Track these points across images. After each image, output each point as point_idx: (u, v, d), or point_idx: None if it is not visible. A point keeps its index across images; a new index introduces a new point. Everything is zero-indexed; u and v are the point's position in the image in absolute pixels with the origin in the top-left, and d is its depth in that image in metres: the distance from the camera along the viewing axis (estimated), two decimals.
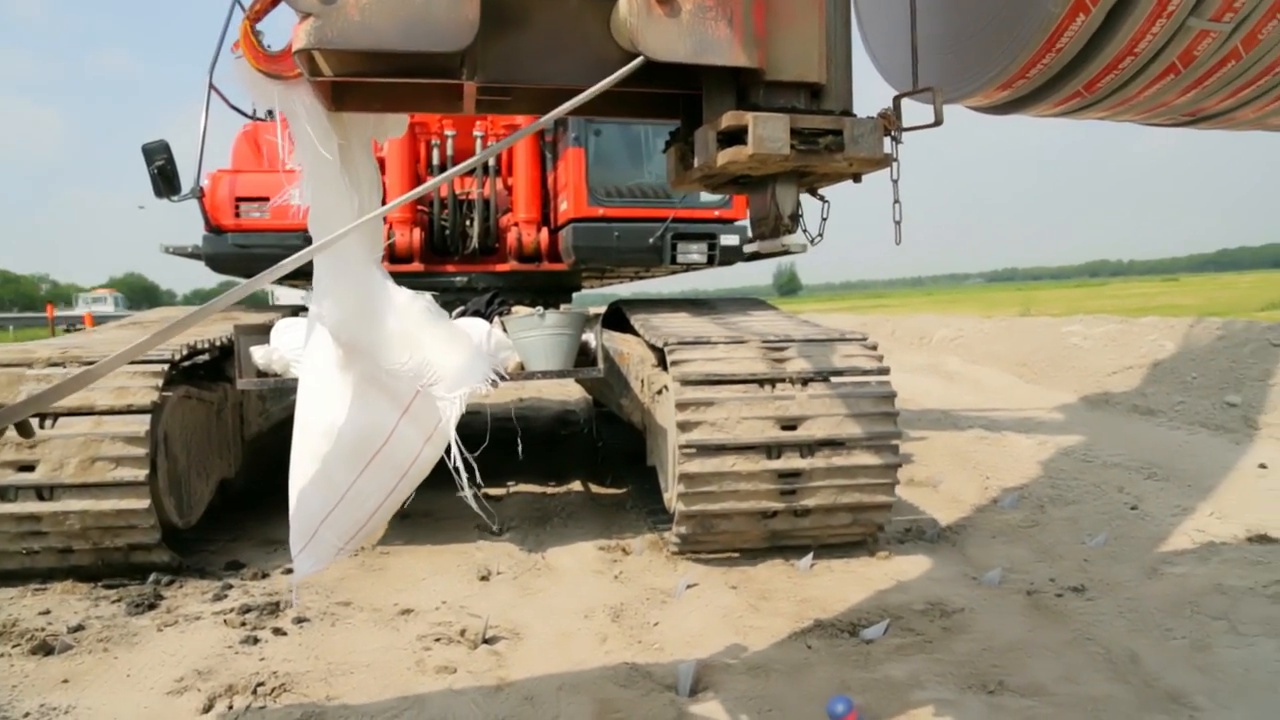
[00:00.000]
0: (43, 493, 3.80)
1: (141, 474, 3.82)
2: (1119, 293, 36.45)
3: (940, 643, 3.24)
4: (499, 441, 6.95)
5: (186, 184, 5.17)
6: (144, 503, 3.82)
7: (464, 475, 2.53)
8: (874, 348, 4.35)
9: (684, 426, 3.91)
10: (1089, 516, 4.78)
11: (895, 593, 3.75)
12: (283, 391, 5.57)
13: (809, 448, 3.96)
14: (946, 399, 9.26)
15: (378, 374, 2.42)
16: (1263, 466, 5.71)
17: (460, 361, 2.49)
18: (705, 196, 5.31)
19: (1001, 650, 3.15)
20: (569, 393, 10.25)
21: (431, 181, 4.75)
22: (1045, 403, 8.82)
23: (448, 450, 2.52)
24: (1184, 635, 3.23)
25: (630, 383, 4.96)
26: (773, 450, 3.95)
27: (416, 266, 5.83)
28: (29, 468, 3.79)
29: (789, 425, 3.97)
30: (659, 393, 4.41)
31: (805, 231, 2.52)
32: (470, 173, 5.85)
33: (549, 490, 5.71)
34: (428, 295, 2.59)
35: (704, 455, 3.90)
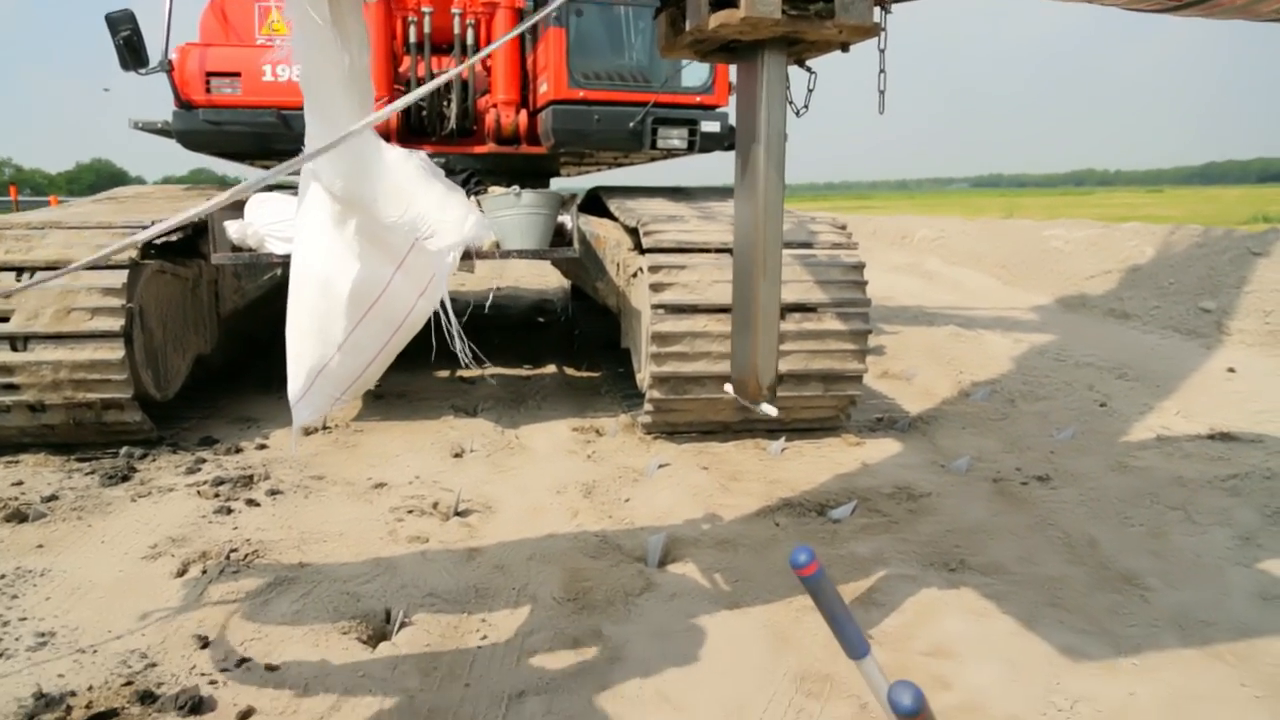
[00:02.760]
0: (16, 344, 3.78)
1: (117, 324, 3.80)
2: (1103, 202, 36.35)
3: (905, 524, 3.31)
4: (475, 328, 6.94)
5: (154, 57, 4.96)
6: (118, 354, 3.80)
7: (453, 325, 2.53)
8: (843, 227, 4.39)
9: (656, 288, 3.94)
10: (1058, 412, 4.85)
11: (864, 476, 3.82)
12: (258, 269, 5.50)
13: (780, 311, 3.99)
14: (924, 298, 9.28)
15: (373, 228, 2.39)
16: (1231, 370, 5.79)
17: (454, 216, 2.45)
18: (687, 81, 5.18)
19: (965, 532, 3.22)
20: (546, 282, 10.18)
21: (430, 85, 4.56)
22: (1022, 304, 8.87)
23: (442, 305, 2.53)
24: (1141, 523, 3.31)
25: (606, 266, 4.92)
26: None
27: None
28: (3, 318, 3.77)
29: None
30: (634, 275, 4.38)
31: (791, 104, 2.48)
32: (448, 52, 5.63)
33: (524, 374, 5.71)
34: (421, 153, 2.54)
35: (675, 315, 3.93)
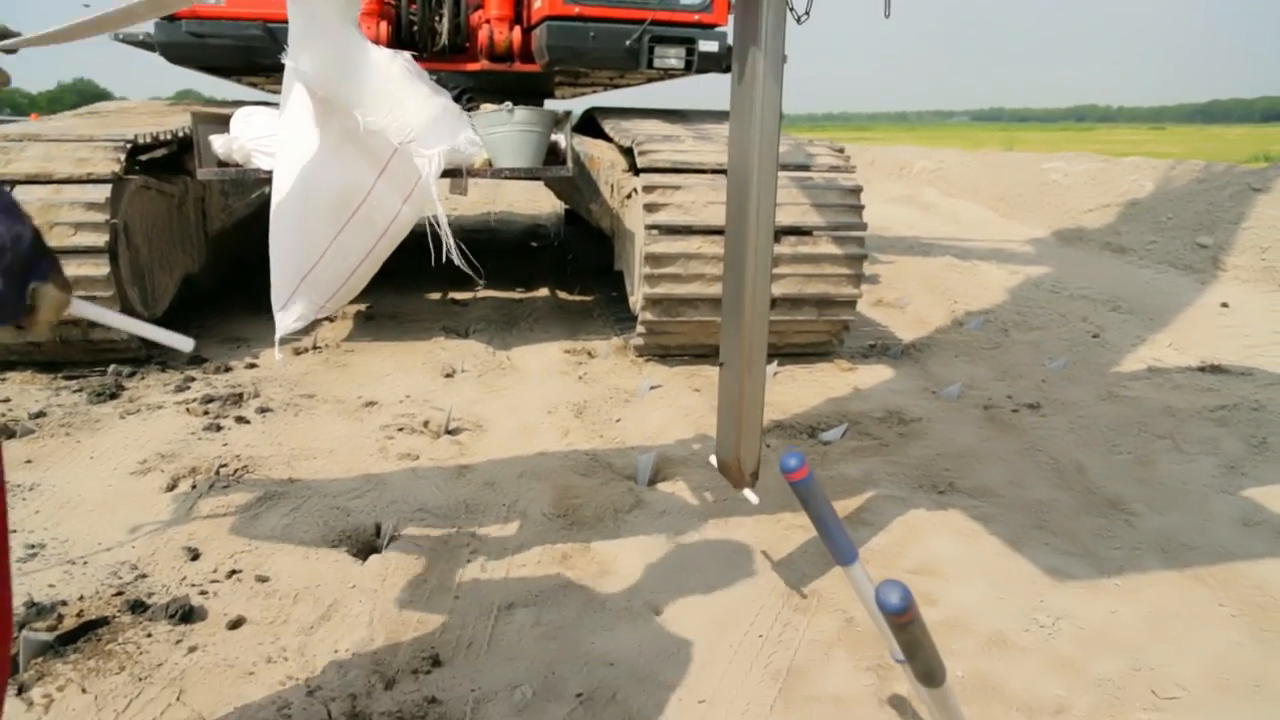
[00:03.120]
0: None
1: (101, 240, 3.73)
2: (1103, 138, 35.93)
3: (896, 447, 3.32)
4: (468, 252, 6.86)
5: None
6: (103, 270, 3.74)
7: (448, 237, 2.49)
8: (841, 150, 4.31)
9: (650, 208, 3.89)
10: (1051, 342, 4.85)
11: (855, 401, 3.82)
12: (245, 185, 5.40)
13: (775, 234, 3.94)
14: (921, 229, 9.21)
15: (355, 131, 2.32)
16: (1224, 305, 5.78)
17: (440, 119, 2.39)
18: None
19: (954, 456, 3.24)
20: (539, 207, 10.06)
21: None
22: (1019, 236, 8.81)
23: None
24: (1129, 451, 3.32)
25: (600, 187, 4.84)
26: None
27: None
28: None
29: None
30: (628, 197, 4.31)
31: (792, 10, 2.39)
32: None
33: (517, 296, 5.67)
34: (406, 54, 2.46)
35: (669, 237, 3.88)
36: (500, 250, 7.38)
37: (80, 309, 1.29)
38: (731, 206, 1.88)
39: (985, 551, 2.54)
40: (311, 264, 2.36)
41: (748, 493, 2.38)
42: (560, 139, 4.31)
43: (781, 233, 3.95)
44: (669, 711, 1.84)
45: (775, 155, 1.87)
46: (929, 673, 1.15)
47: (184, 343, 1.47)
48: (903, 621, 1.03)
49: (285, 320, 2.47)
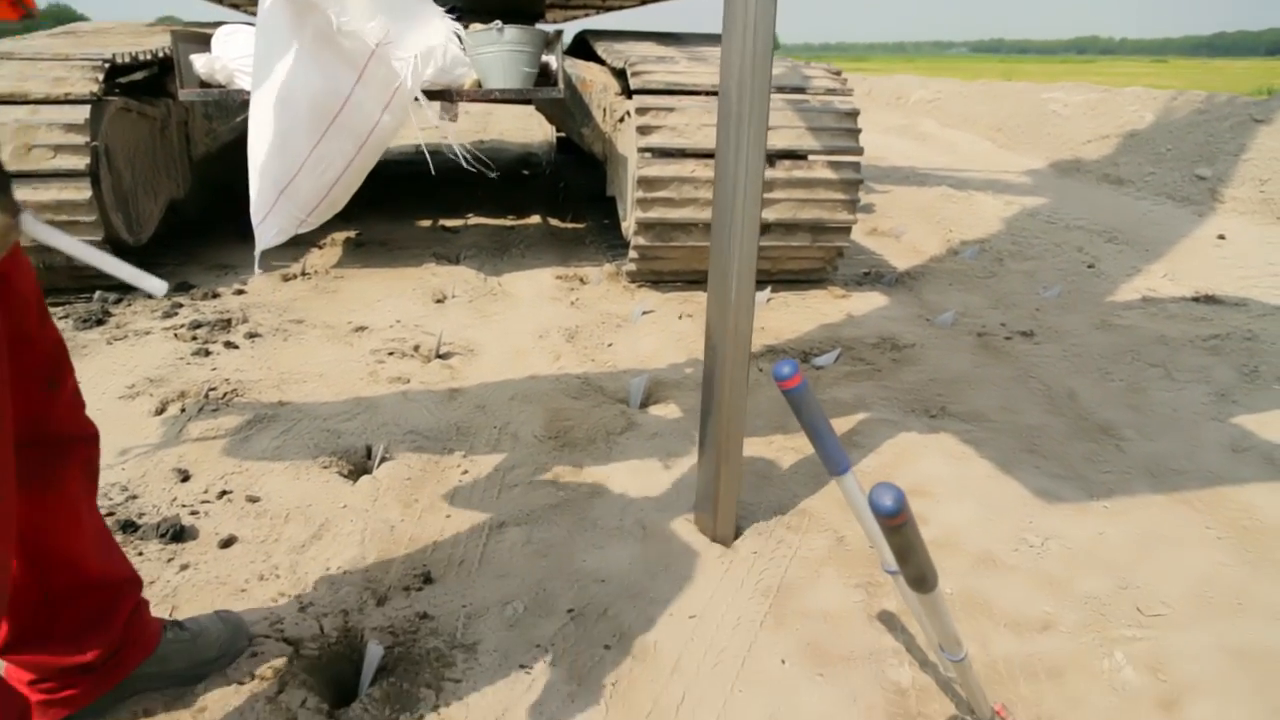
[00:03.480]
0: None
1: (82, 163, 3.64)
2: (1104, 70, 35.36)
3: (889, 372, 3.31)
4: (458, 180, 6.75)
5: None
6: (85, 194, 3.66)
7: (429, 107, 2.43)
8: (838, 73, 4.21)
9: (643, 130, 3.80)
10: (1046, 271, 4.82)
11: (849, 327, 3.80)
12: (228, 108, 5.27)
13: (769, 158, 3.88)
14: (917, 159, 9.10)
15: (331, 33, 2.24)
16: (1221, 237, 5.74)
17: (419, 20, 2.31)
18: None
19: (947, 381, 3.23)
20: (531, 136, 9.89)
21: None
22: (1016, 167, 8.71)
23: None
24: (1122, 378, 3.32)
25: (592, 111, 4.74)
26: None
27: None
28: None
29: None
30: (621, 120, 4.22)
31: None
32: None
33: (508, 223, 5.59)
34: None
35: (663, 160, 3.81)
36: (491, 179, 7.26)
37: (41, 234, 1.19)
38: (721, 129, 1.82)
39: (976, 474, 2.55)
40: (290, 175, 2.30)
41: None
42: (551, 60, 4.20)
43: (776, 156, 3.88)
44: (659, 626, 1.86)
45: (768, 73, 1.82)
46: (921, 577, 1.14)
47: (157, 286, 1.27)
48: (896, 524, 1.02)
49: (265, 234, 2.42)
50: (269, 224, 2.38)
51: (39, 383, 1.32)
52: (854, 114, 4.01)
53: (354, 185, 2.50)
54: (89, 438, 1.46)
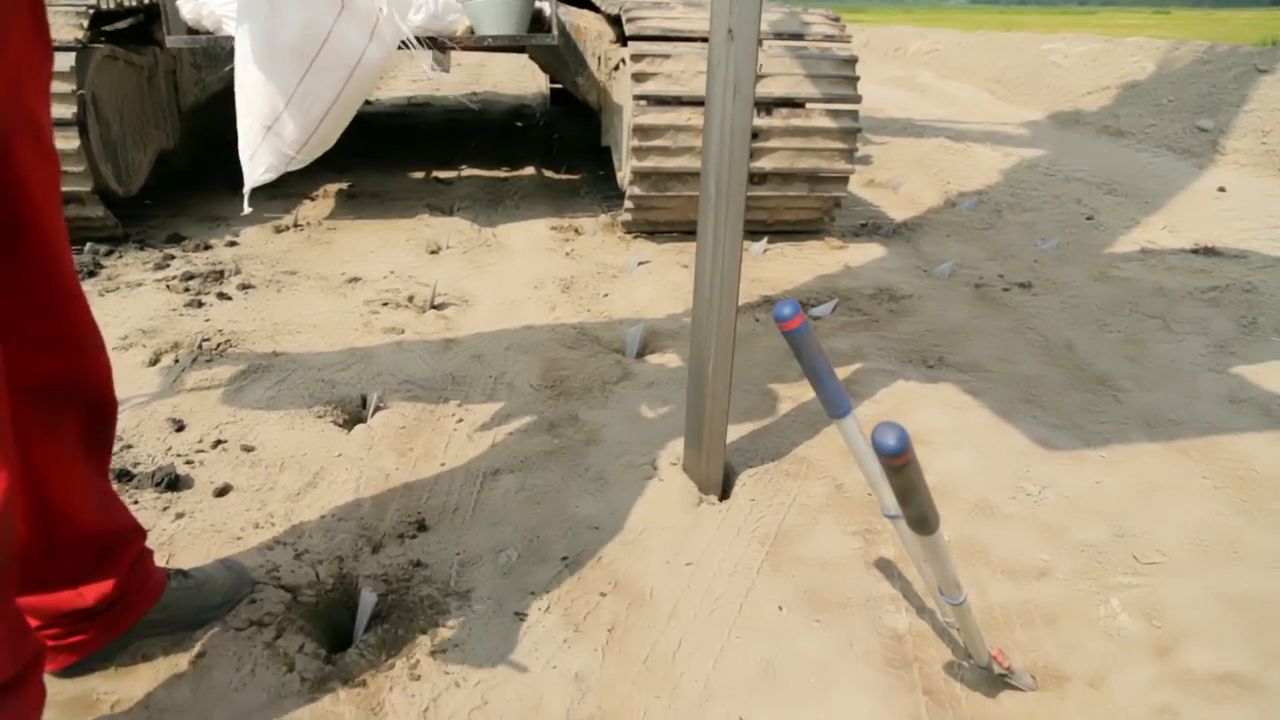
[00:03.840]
0: None
1: (69, 112, 3.56)
2: (1106, 21, 34.89)
3: (886, 323, 3.29)
4: (451, 131, 6.66)
5: None
6: (73, 143, 3.59)
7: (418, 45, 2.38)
8: (837, 19, 4.14)
9: (638, 78, 3.74)
10: (1045, 223, 4.78)
11: (845, 278, 3.77)
12: (217, 56, 5.17)
13: (766, 107, 3.82)
14: (914, 110, 8.99)
15: None
16: (1221, 189, 5.69)
17: None
18: None
19: (944, 332, 3.22)
20: (524, 86, 9.75)
21: None
22: (1015, 119, 8.61)
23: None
24: (1119, 330, 3.31)
25: (586, 59, 4.66)
26: None
27: None
28: None
29: None
30: (616, 68, 4.15)
31: None
32: None
33: (502, 175, 5.52)
34: None
35: (658, 108, 3.75)
36: (485, 130, 7.16)
37: None
38: (710, 77, 1.78)
39: (974, 423, 2.55)
40: (277, 111, 2.26)
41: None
42: (545, 7, 4.13)
43: (772, 104, 3.82)
44: (656, 573, 1.86)
45: (757, 15, 1.77)
46: (922, 518, 1.13)
47: None
48: (899, 464, 1.01)
49: (254, 171, 2.38)
50: (257, 161, 2.34)
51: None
52: (853, 61, 3.94)
53: (344, 120, 2.45)
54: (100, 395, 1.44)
